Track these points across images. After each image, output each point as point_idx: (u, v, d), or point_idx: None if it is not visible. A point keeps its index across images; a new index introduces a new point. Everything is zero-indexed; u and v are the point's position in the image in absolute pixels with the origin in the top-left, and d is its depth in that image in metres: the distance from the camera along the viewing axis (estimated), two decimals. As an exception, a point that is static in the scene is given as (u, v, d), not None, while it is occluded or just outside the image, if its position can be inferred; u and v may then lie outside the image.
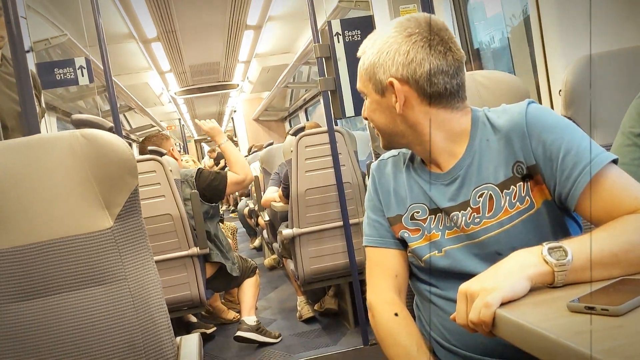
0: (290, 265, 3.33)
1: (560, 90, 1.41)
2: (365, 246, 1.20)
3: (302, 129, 3.16)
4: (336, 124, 3.02)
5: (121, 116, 7.60)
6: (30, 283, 1.22)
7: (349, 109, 2.80)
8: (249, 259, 3.22)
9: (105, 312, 1.23)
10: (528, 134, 1.00)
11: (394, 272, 1.15)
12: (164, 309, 1.27)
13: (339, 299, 3.37)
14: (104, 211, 1.27)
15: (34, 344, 1.19)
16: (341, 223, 2.91)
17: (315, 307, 3.45)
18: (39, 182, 1.26)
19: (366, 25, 2.83)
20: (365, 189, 3.01)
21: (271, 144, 5.36)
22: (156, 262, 1.33)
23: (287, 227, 3.09)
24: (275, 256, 4.85)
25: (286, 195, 3.24)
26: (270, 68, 7.33)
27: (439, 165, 1.11)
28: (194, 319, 3.39)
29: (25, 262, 1.22)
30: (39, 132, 1.40)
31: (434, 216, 1.10)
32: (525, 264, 0.80)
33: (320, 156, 2.98)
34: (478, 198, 1.05)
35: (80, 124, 1.37)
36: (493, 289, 0.77)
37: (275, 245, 3.84)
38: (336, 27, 2.78)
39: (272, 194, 3.66)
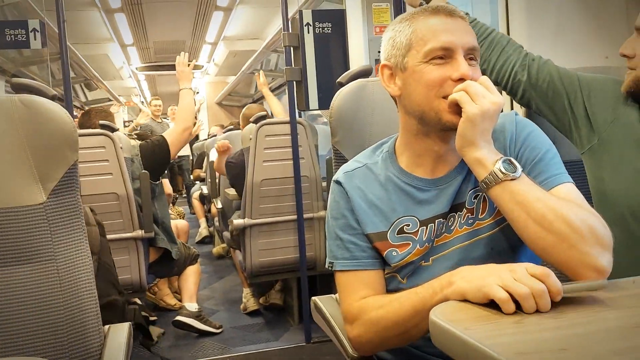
0: (238, 256, 3.26)
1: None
2: (338, 271, 1.07)
3: (264, 117, 3.09)
4: (299, 116, 2.97)
5: (77, 87, 7.33)
6: (-53, 256, 1.12)
7: (314, 102, 2.75)
8: (191, 247, 3.13)
9: (29, 293, 1.14)
10: (516, 137, 1.03)
11: (374, 293, 1.04)
12: (94, 294, 1.19)
13: (285, 294, 3.32)
14: (37, 185, 1.18)
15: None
16: (295, 217, 2.86)
17: (261, 301, 3.39)
18: (-34, 146, 1.15)
19: (338, 19, 2.79)
20: (326, 184, 2.95)
21: (232, 128, 5.24)
22: (97, 242, 1.24)
23: (239, 217, 3.02)
24: (224, 245, 4.76)
25: (229, 172, 3.20)
26: (237, 52, 7.20)
27: (433, 168, 1.06)
28: (138, 301, 3.28)
29: (-57, 233, 1.12)
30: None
31: (425, 227, 1.04)
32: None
33: (279, 147, 2.91)
34: (473, 199, 1.03)
35: (20, 89, 1.27)
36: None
37: (226, 234, 3.75)
38: (307, 17, 2.73)
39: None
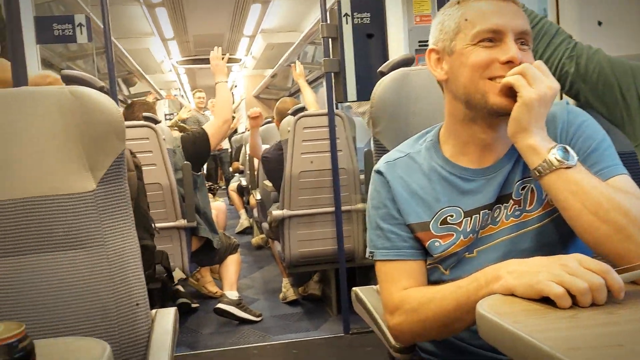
0: (277, 246, 3.29)
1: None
2: (379, 260, 1.06)
3: (302, 109, 3.10)
4: (337, 108, 2.97)
5: (120, 81, 7.49)
6: (5, 240, 1.16)
7: (352, 93, 2.74)
8: (232, 237, 3.18)
9: (80, 277, 1.18)
10: (567, 126, 1.01)
11: (416, 284, 1.03)
12: (141, 279, 1.22)
13: (323, 285, 3.34)
14: (87, 173, 1.22)
15: (4, 302, 1.14)
16: (333, 209, 2.86)
17: (299, 291, 3.42)
18: (22, 136, 1.20)
19: (377, 9, 2.76)
20: (364, 177, 2.95)
21: (269, 121, 5.29)
22: (141, 230, 1.27)
23: (277, 208, 3.04)
24: (263, 235, 4.81)
25: (265, 166, 3.26)
26: (275, 45, 7.23)
27: (479, 158, 1.04)
28: (181, 289, 3.36)
29: (1, 218, 1.17)
30: (27, 84, 1.33)
31: (469, 218, 1.02)
32: None
33: (317, 139, 2.92)
34: (521, 191, 1.01)
35: (69, 81, 1.31)
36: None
37: (265, 224, 3.79)
38: (346, 7, 2.71)
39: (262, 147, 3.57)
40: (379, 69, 1.50)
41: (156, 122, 2.70)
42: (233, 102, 6.48)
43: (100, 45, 3.83)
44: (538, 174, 0.90)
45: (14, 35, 1.39)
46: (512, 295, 0.77)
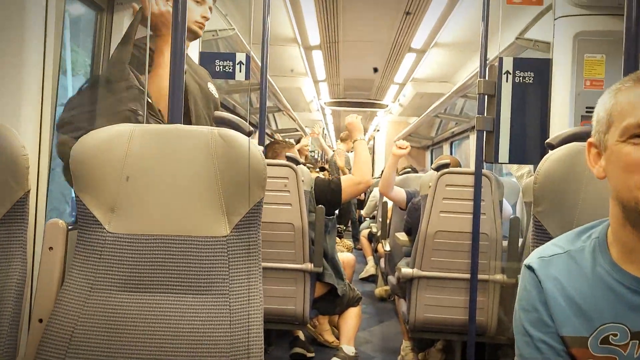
0: (402, 305, 3.12)
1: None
2: None
3: (447, 165, 2.95)
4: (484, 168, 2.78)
5: (270, 116, 7.85)
6: (136, 275, 1.17)
7: (504, 155, 2.56)
8: (356, 289, 3.06)
9: (201, 322, 1.15)
10: None
11: None
12: (260, 332, 1.16)
13: (446, 355, 3.09)
14: (223, 217, 1.20)
15: (126, 337, 1.14)
16: (468, 276, 2.65)
17: (419, 357, 3.20)
18: (167, 172, 1.21)
19: (542, 69, 2.58)
20: (507, 245, 2.68)
21: (409, 171, 5.17)
22: (267, 269, 1.21)
23: (407, 264, 2.89)
24: (387, 287, 4.65)
25: (410, 215, 3.12)
26: (424, 94, 7.14)
27: None
28: (301, 336, 3.29)
29: (136, 252, 1.18)
30: (181, 122, 1.35)
31: (637, 342, 0.85)
32: None
33: (460, 198, 2.74)
34: None
35: (220, 123, 1.31)
36: None
37: (391, 278, 3.64)
38: (508, 64, 2.56)
39: (396, 190, 3.45)
40: (547, 141, 1.33)
41: (297, 162, 2.71)
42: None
43: (255, 82, 4.01)
44: None
45: (176, 69, 1.41)
46: None
